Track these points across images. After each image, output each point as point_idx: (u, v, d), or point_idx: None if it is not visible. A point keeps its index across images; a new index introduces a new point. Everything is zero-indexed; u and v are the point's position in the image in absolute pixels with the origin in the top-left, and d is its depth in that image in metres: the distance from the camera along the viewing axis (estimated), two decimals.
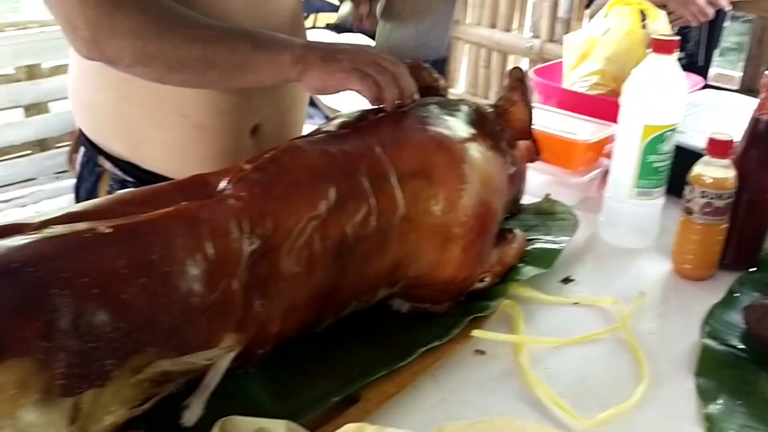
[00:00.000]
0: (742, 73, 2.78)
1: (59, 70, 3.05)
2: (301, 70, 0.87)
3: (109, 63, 0.86)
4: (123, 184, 1.02)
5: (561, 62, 1.71)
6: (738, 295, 0.98)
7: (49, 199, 3.04)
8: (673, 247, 1.04)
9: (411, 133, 0.85)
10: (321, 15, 3.29)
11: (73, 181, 1.10)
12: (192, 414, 0.66)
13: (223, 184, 0.71)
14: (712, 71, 2.32)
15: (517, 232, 1.00)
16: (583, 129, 1.27)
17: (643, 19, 1.60)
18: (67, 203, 1.88)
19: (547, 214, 1.13)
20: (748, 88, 2.60)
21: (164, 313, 0.61)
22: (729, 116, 1.34)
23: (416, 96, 0.90)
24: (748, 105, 1.28)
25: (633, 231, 1.11)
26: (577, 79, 1.62)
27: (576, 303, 0.95)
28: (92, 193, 1.05)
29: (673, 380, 0.82)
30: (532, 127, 0.99)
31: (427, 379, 0.79)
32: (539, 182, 1.22)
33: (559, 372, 0.82)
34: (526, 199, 1.13)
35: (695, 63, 2.14)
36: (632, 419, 0.76)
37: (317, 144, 0.80)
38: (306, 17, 1.98)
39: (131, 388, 0.61)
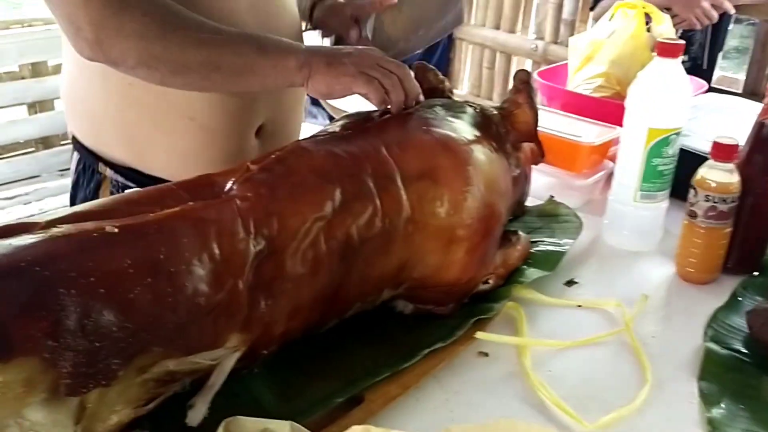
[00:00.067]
0: (745, 77, 2.78)
1: None
2: (306, 75, 0.87)
3: (112, 64, 0.86)
4: (124, 191, 1.02)
5: (565, 64, 1.71)
6: (741, 299, 0.98)
7: (53, 196, 3.05)
8: (676, 251, 1.04)
9: (416, 135, 0.85)
10: None
11: None
12: (196, 414, 0.66)
13: (229, 185, 0.72)
14: (716, 74, 2.32)
15: (521, 234, 1.00)
16: (587, 131, 1.27)
17: (648, 22, 1.60)
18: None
19: (551, 216, 1.14)
20: (751, 91, 2.59)
21: (170, 313, 0.61)
22: (732, 120, 1.34)
23: (421, 97, 0.91)
24: (752, 109, 1.29)
25: (637, 234, 1.11)
26: (581, 81, 1.62)
27: (579, 306, 0.95)
28: (91, 200, 1.04)
29: (676, 384, 0.82)
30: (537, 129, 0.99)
31: (431, 381, 0.79)
32: (543, 184, 1.22)
33: (562, 374, 0.82)
34: (530, 201, 1.13)
35: (699, 66, 2.14)
36: (635, 422, 0.76)
37: (323, 145, 0.80)
38: None
39: (136, 388, 0.62)
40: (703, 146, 1.07)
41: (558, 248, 1.04)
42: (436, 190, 0.82)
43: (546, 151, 1.04)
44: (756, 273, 1.04)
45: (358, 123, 0.87)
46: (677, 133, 1.04)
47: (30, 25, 3.33)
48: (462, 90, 3.94)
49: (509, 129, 0.97)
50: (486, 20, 3.76)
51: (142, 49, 0.83)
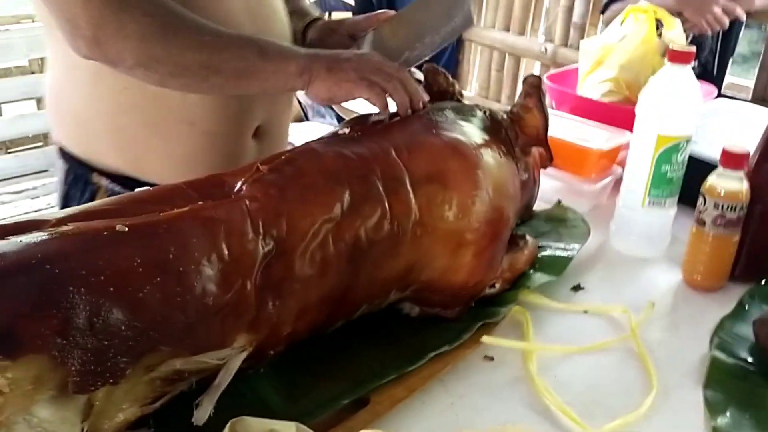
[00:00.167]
0: (755, 83, 2.77)
1: None
2: (306, 81, 0.87)
3: (109, 64, 0.85)
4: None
5: (575, 68, 1.71)
6: (748, 307, 0.98)
7: None
8: (684, 258, 1.04)
9: (426, 138, 0.85)
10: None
11: None
12: (202, 413, 0.66)
13: (238, 185, 0.72)
14: (726, 80, 2.31)
15: (529, 238, 1.00)
16: (596, 136, 1.26)
17: (659, 27, 1.59)
18: None
19: (559, 220, 1.13)
20: (761, 97, 2.58)
21: (179, 312, 0.61)
22: (742, 126, 1.34)
23: (426, 98, 0.91)
24: (762, 115, 1.28)
25: (644, 240, 1.11)
26: (591, 85, 1.61)
27: (585, 311, 0.95)
28: None
29: (682, 391, 0.82)
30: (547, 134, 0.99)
31: (436, 384, 0.80)
32: (551, 188, 1.22)
33: (567, 380, 0.82)
34: (538, 205, 1.13)
35: (709, 72, 2.13)
36: (640, 429, 0.76)
37: (333, 147, 0.80)
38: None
39: (144, 386, 0.62)
40: (712, 153, 1.07)
41: (565, 253, 1.03)
42: (445, 194, 0.82)
43: (554, 155, 1.04)
44: (763, 281, 1.04)
45: (368, 125, 0.87)
46: (687, 141, 1.03)
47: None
48: (470, 92, 3.93)
49: (518, 133, 0.97)
50: (495, 22, 3.75)
51: (142, 50, 0.83)
